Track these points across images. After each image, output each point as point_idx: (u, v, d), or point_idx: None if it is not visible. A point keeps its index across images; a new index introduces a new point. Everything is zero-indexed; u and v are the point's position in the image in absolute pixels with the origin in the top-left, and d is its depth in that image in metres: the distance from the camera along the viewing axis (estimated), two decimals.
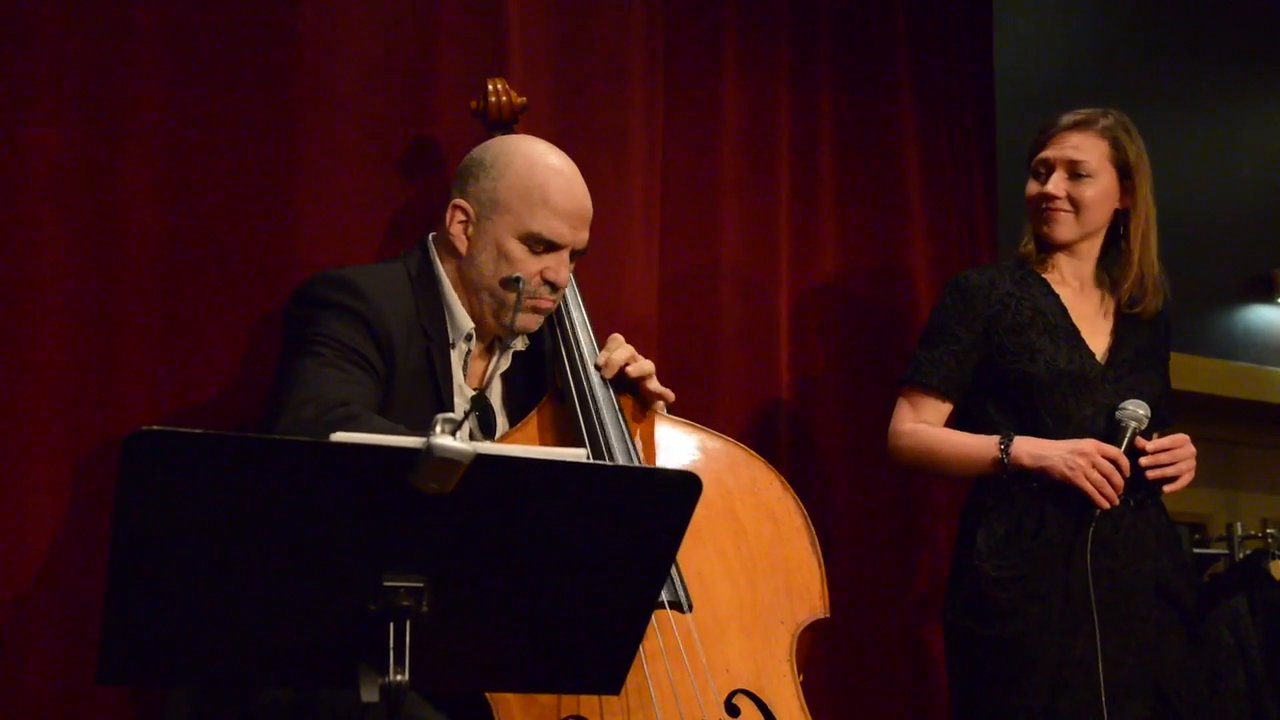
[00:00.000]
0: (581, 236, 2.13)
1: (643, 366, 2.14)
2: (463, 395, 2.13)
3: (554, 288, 2.11)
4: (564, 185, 2.11)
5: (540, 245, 2.09)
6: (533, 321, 2.13)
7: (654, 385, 2.15)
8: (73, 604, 2.15)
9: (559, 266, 2.10)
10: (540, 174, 2.11)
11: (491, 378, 2.19)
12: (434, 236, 2.20)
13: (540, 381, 2.26)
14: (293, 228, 2.46)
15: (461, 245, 2.13)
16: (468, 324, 2.13)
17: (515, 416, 2.19)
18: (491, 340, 2.20)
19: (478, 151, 2.20)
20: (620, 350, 2.14)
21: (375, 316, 2.02)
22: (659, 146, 3.00)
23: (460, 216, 2.14)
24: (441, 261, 2.16)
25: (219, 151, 2.41)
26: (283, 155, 2.47)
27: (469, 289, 2.14)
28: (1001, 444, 2.48)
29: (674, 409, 2.27)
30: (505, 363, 2.21)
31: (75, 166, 2.28)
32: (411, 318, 2.08)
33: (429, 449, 1.27)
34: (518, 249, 2.09)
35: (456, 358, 2.14)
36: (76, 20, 2.30)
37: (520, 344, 2.22)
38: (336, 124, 2.52)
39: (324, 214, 2.48)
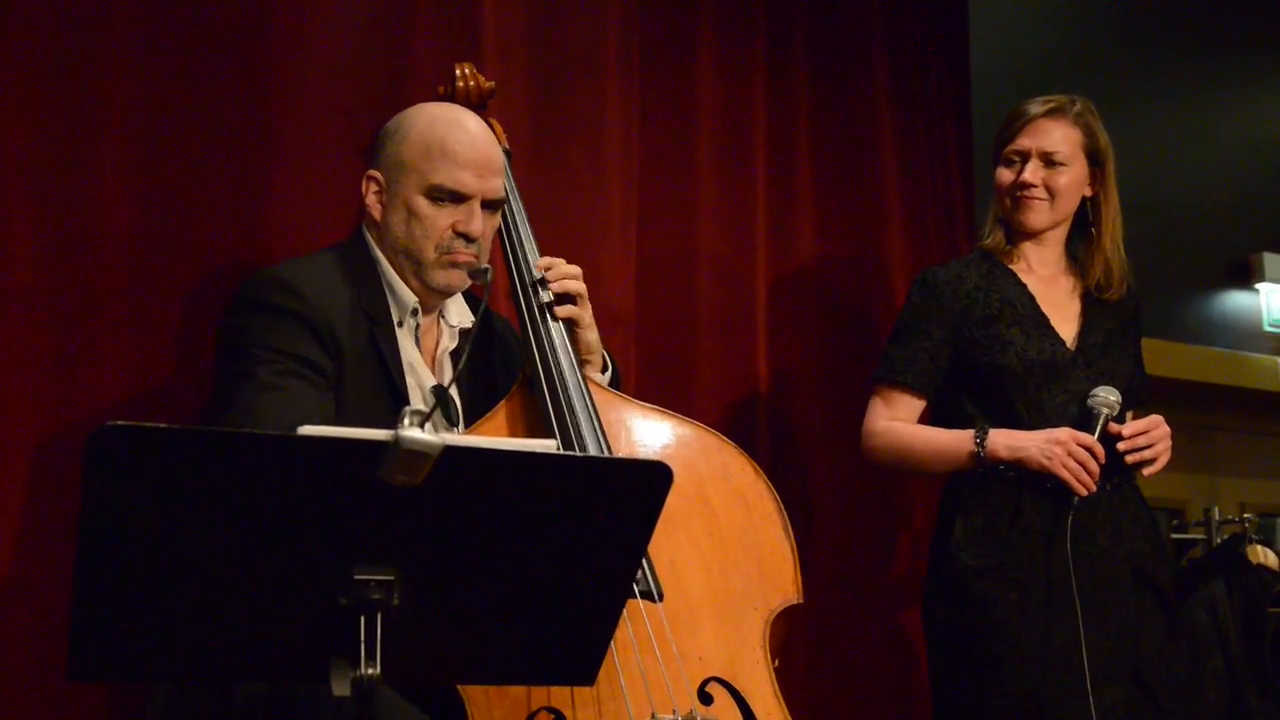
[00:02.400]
0: (491, 185, 2.10)
1: (578, 286, 2.17)
2: (414, 373, 2.11)
3: (468, 239, 2.08)
4: (463, 136, 2.09)
5: (445, 196, 2.07)
6: (458, 278, 2.09)
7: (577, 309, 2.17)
8: (46, 599, 2.14)
9: (469, 218, 2.08)
10: (439, 128, 2.09)
11: (438, 357, 2.17)
12: (366, 220, 2.18)
13: (491, 359, 2.25)
14: (267, 221, 2.46)
15: (377, 214, 2.12)
16: (411, 299, 2.11)
17: (468, 395, 2.17)
18: (439, 313, 2.19)
19: (389, 122, 2.18)
20: (568, 273, 2.17)
21: (313, 311, 1.99)
22: (635, 136, 2.99)
23: (374, 187, 2.13)
24: (375, 241, 2.14)
25: (192, 145, 2.40)
26: (256, 148, 2.46)
27: (390, 256, 2.12)
28: (977, 438, 2.49)
29: (650, 398, 2.27)
30: (451, 341, 2.19)
31: (47, 161, 2.28)
32: (352, 302, 2.06)
33: (397, 441, 1.26)
34: (424, 205, 2.07)
35: (406, 335, 2.12)
36: (47, 14, 2.29)
37: (456, 319, 2.20)
38: (310, 116, 2.51)
39: (298, 206, 2.48)
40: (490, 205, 2.11)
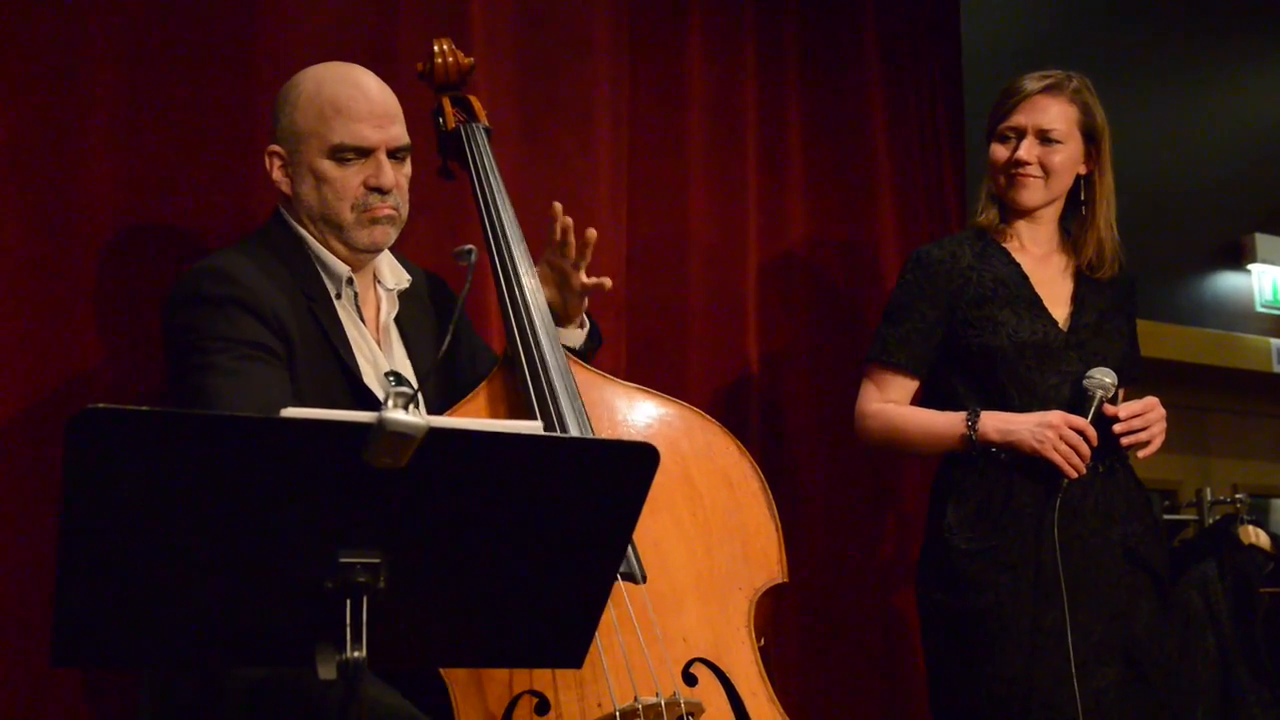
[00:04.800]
0: (393, 133, 2.06)
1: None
2: (361, 347, 2.07)
3: (381, 192, 2.04)
4: (353, 90, 2.04)
5: (350, 154, 2.03)
6: (381, 234, 2.05)
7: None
8: (37, 585, 2.14)
9: (378, 170, 2.04)
10: (328, 88, 2.05)
11: (383, 325, 2.13)
12: (279, 197, 2.13)
13: (441, 319, 2.22)
14: (253, 205, 2.43)
15: (286, 188, 2.08)
16: (342, 268, 2.07)
17: (422, 363, 2.13)
18: (375, 278, 2.15)
19: (279, 92, 2.13)
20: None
21: (253, 297, 1.94)
22: (625, 119, 2.98)
23: (278, 162, 2.08)
24: (293, 217, 2.09)
25: (176, 128, 2.39)
26: (241, 131, 2.44)
27: (310, 228, 2.07)
28: (969, 420, 2.48)
29: (641, 382, 2.26)
30: (393, 307, 2.15)
31: (30, 145, 2.26)
32: (288, 283, 2.02)
33: (381, 423, 1.25)
34: (330, 168, 2.03)
35: (345, 308, 2.08)
36: None
37: (392, 281, 2.15)
38: None
39: None
40: (396, 154, 2.07)
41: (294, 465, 1.28)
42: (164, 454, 1.24)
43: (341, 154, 2.02)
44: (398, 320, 2.16)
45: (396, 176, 2.06)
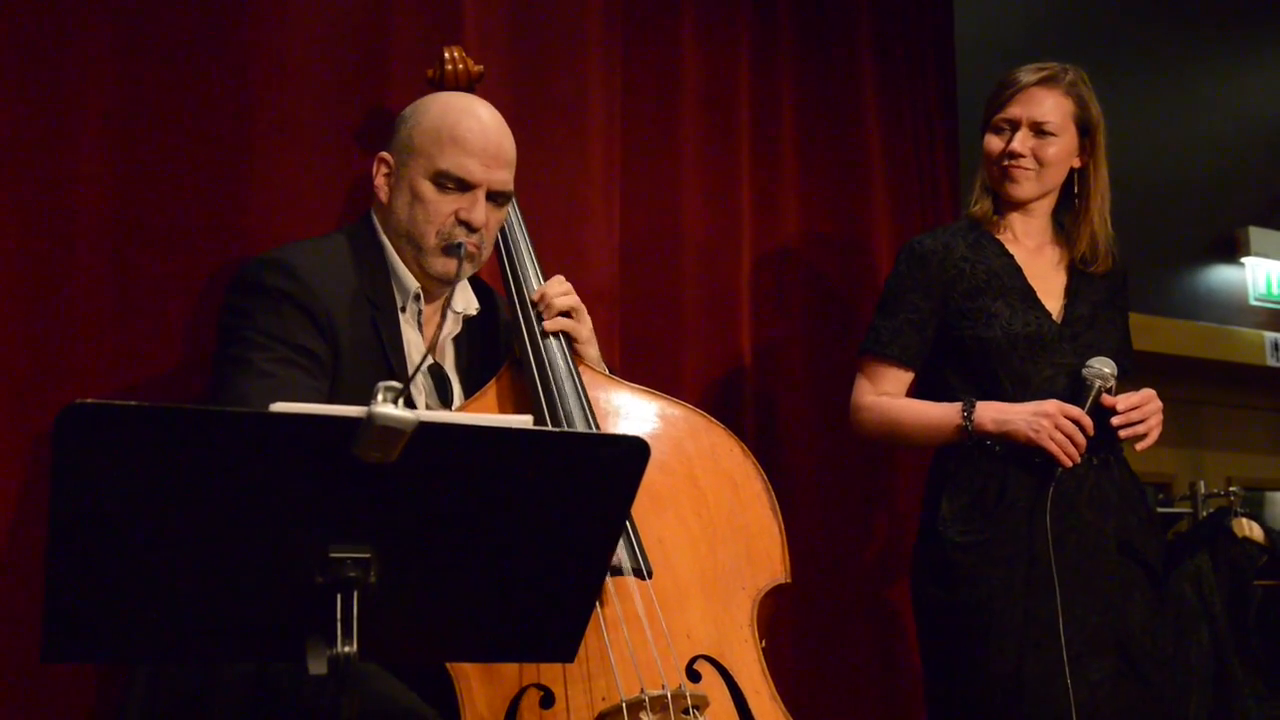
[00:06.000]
0: (497, 176, 2.09)
1: (572, 301, 2.16)
2: (421, 350, 2.11)
3: (469, 228, 2.07)
4: (474, 124, 2.09)
5: (450, 183, 2.07)
6: (453, 267, 2.08)
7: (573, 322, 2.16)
8: (29, 580, 2.13)
9: (472, 206, 2.07)
10: (452, 115, 2.10)
11: (440, 343, 2.16)
12: (374, 202, 2.18)
13: (496, 346, 2.25)
14: (247, 201, 2.43)
15: (384, 195, 2.13)
16: (413, 284, 2.11)
17: (471, 383, 2.17)
18: (444, 302, 2.18)
19: (407, 107, 2.19)
20: (559, 291, 2.15)
21: (312, 298, 1.98)
22: (618, 113, 2.97)
23: (384, 169, 2.13)
24: (381, 224, 2.14)
25: (170, 125, 2.38)
26: (235, 128, 2.43)
27: (393, 240, 2.11)
28: (964, 411, 2.48)
29: (635, 376, 2.26)
30: (455, 327, 2.18)
31: (22, 142, 2.25)
32: (355, 287, 2.05)
33: (370, 418, 1.25)
34: (429, 189, 2.07)
35: (408, 321, 2.11)
36: None
37: (461, 305, 2.18)
38: (289, 96, 2.49)
39: (278, 187, 2.45)
40: (496, 198, 2.10)
41: (284, 460, 1.28)
42: (152, 449, 1.24)
43: (443, 180, 2.07)
44: (457, 342, 2.19)
45: (488, 217, 2.09)
